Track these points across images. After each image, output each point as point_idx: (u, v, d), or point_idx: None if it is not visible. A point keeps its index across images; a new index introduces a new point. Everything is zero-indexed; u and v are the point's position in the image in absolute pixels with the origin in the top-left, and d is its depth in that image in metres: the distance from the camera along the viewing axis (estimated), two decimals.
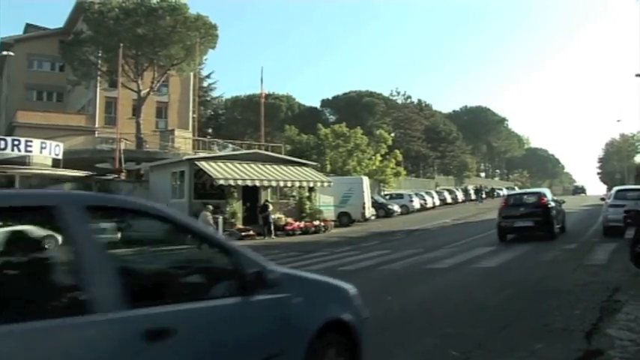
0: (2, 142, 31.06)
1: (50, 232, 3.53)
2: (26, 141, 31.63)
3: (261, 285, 4.05)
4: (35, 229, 3.57)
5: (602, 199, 26.60)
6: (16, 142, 31.35)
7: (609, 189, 48.08)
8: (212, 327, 3.76)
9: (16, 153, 30.75)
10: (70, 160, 34.39)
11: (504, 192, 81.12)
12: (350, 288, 5.20)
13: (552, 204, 21.48)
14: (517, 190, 30.66)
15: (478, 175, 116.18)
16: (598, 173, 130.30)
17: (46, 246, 3.66)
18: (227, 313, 3.92)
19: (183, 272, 4.23)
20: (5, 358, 2.70)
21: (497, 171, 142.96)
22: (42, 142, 32.32)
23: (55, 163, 32.89)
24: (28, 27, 62.20)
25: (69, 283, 3.27)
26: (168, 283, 4.01)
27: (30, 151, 31.34)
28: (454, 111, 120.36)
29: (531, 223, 20.36)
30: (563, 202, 25.60)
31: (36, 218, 3.50)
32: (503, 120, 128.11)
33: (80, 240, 3.28)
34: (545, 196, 21.73)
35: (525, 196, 22.77)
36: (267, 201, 30.76)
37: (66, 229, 3.29)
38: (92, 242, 3.35)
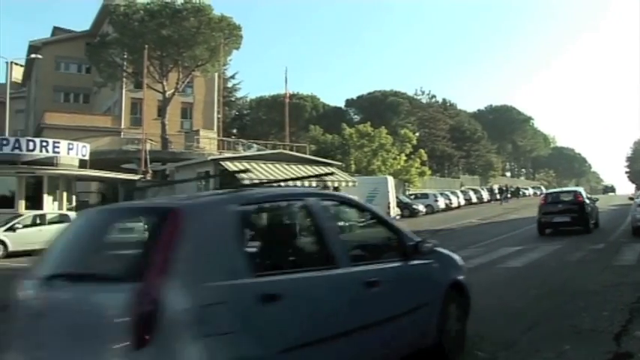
0: (31, 144, 31.35)
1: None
2: (54, 142, 31.90)
3: (416, 253, 5.81)
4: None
5: (631, 198, 26.45)
6: (44, 144, 31.62)
7: (638, 188, 47.55)
8: (392, 279, 5.44)
9: (44, 154, 31.05)
10: (96, 160, 34.69)
11: (530, 191, 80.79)
12: (459, 259, 6.88)
13: (587, 201, 23.24)
14: (555, 189, 32.03)
15: (503, 175, 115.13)
16: (626, 172, 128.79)
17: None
18: (398, 271, 5.64)
19: (374, 243, 6.09)
20: (305, 289, 4.49)
21: (523, 170, 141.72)
22: (69, 143, 32.58)
23: (82, 164, 33.17)
24: (56, 30, 63.04)
25: (326, 248, 4.91)
26: (368, 250, 5.86)
27: (57, 152, 31.59)
28: (479, 110, 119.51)
29: (568, 219, 22.22)
30: (597, 199, 27.38)
31: (295, 207, 5.36)
32: (528, 119, 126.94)
33: (324, 221, 5.04)
34: (580, 194, 23.42)
35: (563, 195, 24.53)
36: None
37: (315, 215, 5.02)
38: (330, 222, 5.15)
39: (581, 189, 26.45)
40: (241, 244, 4.26)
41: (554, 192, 27.31)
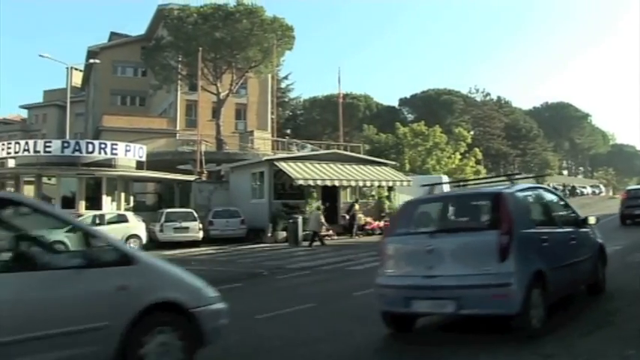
0: (90, 146, 32.11)
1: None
2: (112, 144, 32.57)
3: (583, 224, 9.11)
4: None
5: None
6: (102, 146, 32.32)
7: None
8: (578, 238, 8.72)
9: (103, 156, 31.73)
10: (152, 162, 35.19)
11: (588, 190, 78.84)
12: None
13: None
14: (636, 186, 33.68)
15: (560, 173, 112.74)
16: None
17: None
18: (579, 234, 8.82)
19: (564, 216, 8.96)
20: (553, 237, 7.86)
21: (581, 169, 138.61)
22: (126, 145, 33.20)
23: (139, 165, 33.75)
24: (113, 35, 64.60)
25: (553, 216, 8.64)
26: (563, 220, 8.73)
27: (115, 154, 32.26)
28: (534, 107, 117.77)
29: None
30: None
31: (536, 192, 8.90)
32: (586, 116, 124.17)
33: (550, 201, 8.97)
34: None
35: None
36: (357, 200, 31.14)
37: (545, 197, 8.88)
38: (553, 202, 9.14)
39: None
40: (529, 210, 7.92)
41: (635, 188, 30.33)
